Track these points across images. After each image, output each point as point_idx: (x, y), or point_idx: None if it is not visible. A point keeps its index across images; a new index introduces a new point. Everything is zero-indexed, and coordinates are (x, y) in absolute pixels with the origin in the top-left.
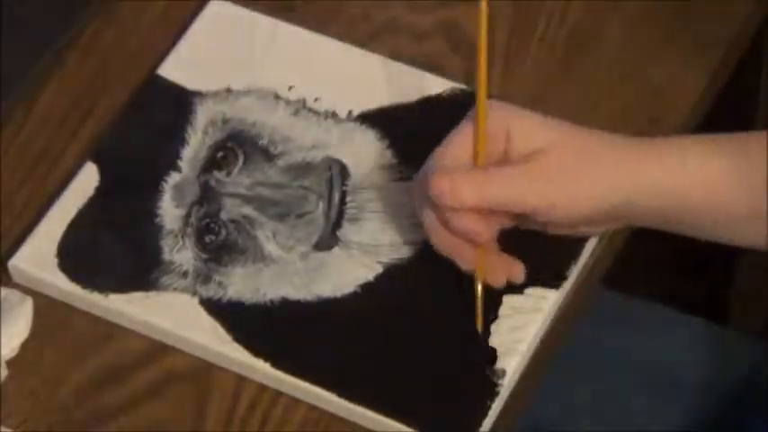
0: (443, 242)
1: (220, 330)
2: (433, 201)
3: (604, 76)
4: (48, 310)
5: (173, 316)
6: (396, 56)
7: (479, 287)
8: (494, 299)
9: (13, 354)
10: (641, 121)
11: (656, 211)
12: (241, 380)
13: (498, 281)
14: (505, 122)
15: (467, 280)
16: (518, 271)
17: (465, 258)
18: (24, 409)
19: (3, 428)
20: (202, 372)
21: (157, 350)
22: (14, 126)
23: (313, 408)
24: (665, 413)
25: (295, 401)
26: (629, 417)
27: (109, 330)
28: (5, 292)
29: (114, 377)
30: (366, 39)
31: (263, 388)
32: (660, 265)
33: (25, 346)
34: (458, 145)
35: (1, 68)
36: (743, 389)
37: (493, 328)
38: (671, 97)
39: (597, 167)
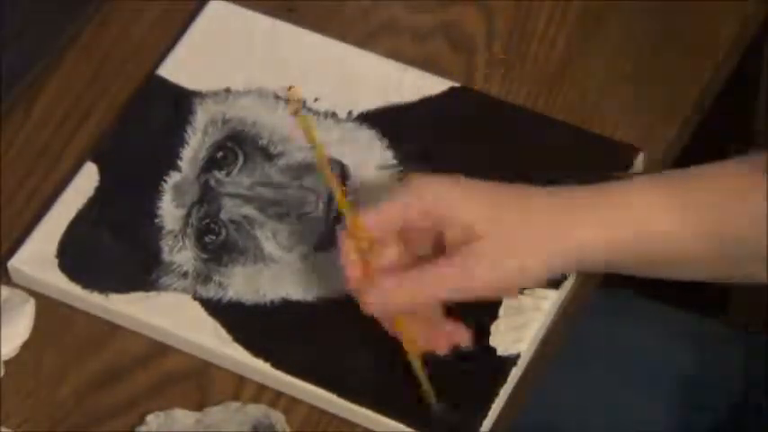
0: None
1: (220, 331)
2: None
3: (604, 76)
4: (48, 311)
5: (173, 316)
6: (396, 56)
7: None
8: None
9: (14, 354)
10: (641, 121)
11: (608, 262)
12: (241, 380)
13: (440, 347)
14: (430, 201)
15: None
16: (463, 337)
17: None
18: (24, 409)
19: (3, 428)
20: (202, 372)
21: (157, 350)
22: (14, 126)
23: (313, 408)
24: (662, 409)
25: (295, 401)
26: (628, 414)
27: (109, 331)
28: (8, 292)
29: (114, 377)
30: (366, 39)
31: (262, 388)
32: None
33: (25, 346)
34: (384, 216)
35: (1, 68)
36: (742, 385)
37: (493, 328)
38: (671, 97)
39: (530, 238)
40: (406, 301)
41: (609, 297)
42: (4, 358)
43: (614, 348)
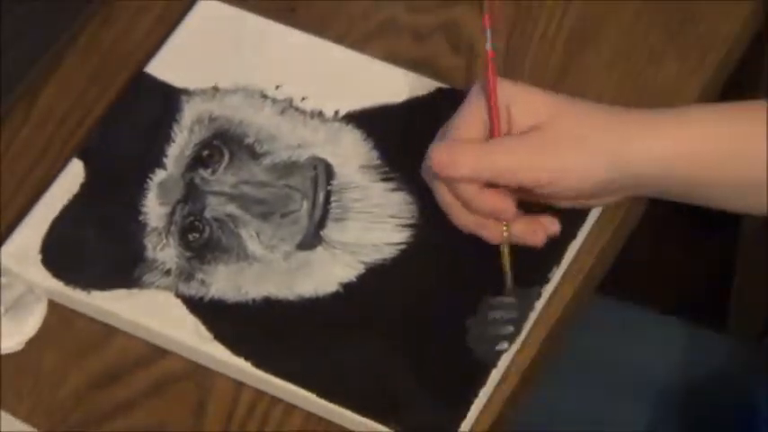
0: (465, 221)
1: (201, 329)
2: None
3: (604, 76)
4: (49, 311)
5: (155, 314)
6: (395, 56)
7: (506, 260)
8: (478, 299)
9: (16, 348)
10: None
11: (656, 180)
12: (241, 381)
13: (538, 240)
14: (506, 98)
15: (450, 280)
16: (553, 224)
17: (491, 233)
18: (24, 408)
19: (2, 412)
20: (202, 373)
21: (157, 351)
22: (14, 126)
23: (308, 414)
24: (654, 419)
25: (295, 406)
26: (617, 424)
27: (109, 331)
28: (25, 288)
29: (114, 378)
30: (365, 39)
31: (261, 391)
32: (658, 266)
33: (26, 346)
34: (466, 120)
35: (1, 68)
36: (738, 394)
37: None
38: (671, 97)
39: (590, 139)
40: (468, 168)
41: (602, 304)
42: (5, 352)
43: (605, 356)
